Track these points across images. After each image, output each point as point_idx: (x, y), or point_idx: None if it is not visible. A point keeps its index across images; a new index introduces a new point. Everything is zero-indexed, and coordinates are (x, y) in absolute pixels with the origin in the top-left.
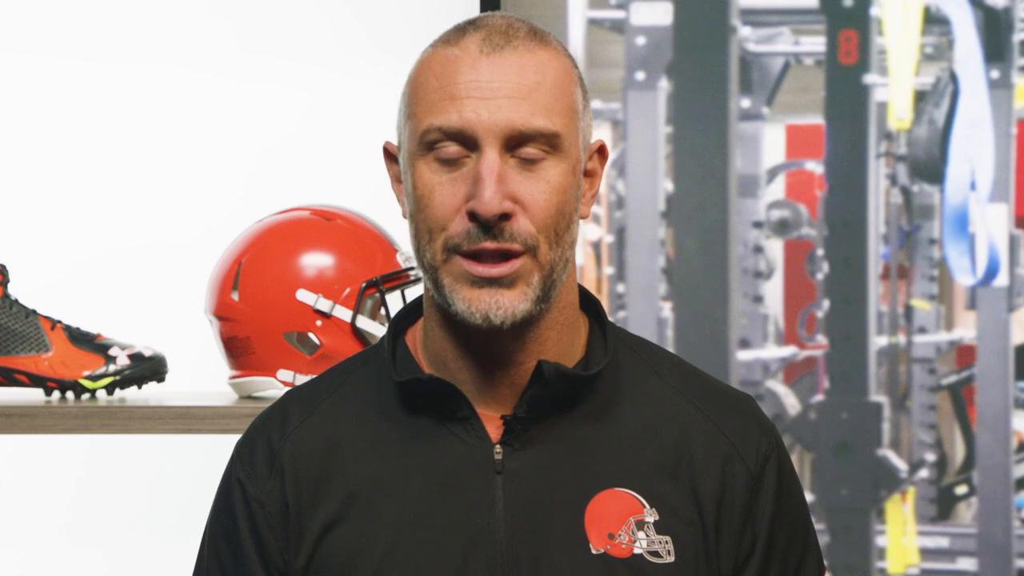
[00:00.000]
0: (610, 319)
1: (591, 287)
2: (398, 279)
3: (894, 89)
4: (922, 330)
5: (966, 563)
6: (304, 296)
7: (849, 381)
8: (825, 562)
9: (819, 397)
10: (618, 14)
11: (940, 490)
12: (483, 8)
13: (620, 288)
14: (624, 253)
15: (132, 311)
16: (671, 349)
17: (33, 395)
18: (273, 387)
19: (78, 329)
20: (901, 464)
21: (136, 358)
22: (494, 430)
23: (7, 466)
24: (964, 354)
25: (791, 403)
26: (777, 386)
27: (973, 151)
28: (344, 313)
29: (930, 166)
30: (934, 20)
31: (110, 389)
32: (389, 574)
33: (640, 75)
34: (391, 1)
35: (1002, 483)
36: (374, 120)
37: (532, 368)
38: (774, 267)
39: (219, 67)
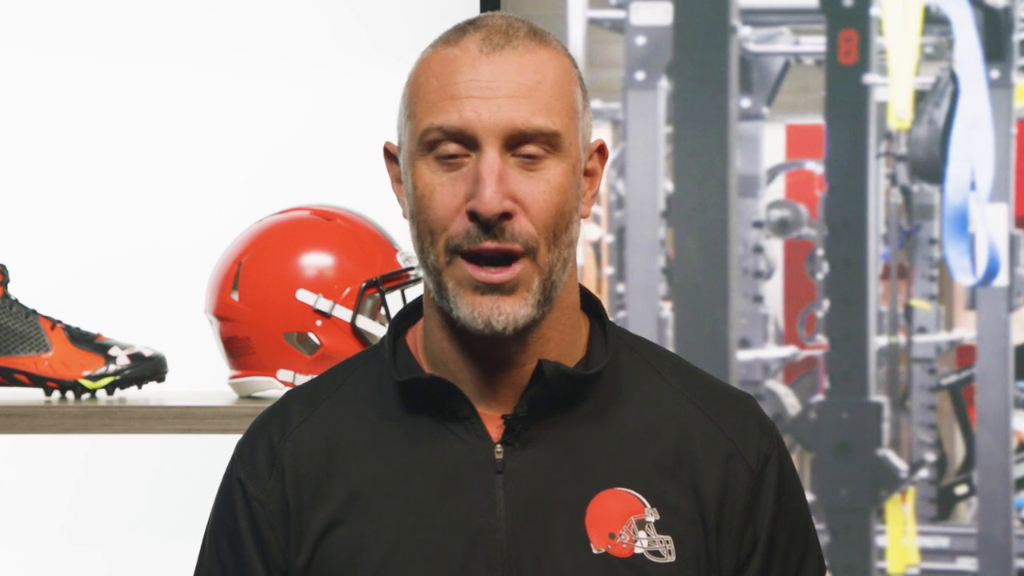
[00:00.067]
0: (610, 319)
1: (591, 287)
2: (398, 279)
3: (894, 89)
4: (922, 330)
5: (966, 563)
6: (304, 296)
7: (849, 381)
8: (826, 562)
9: (819, 397)
10: (618, 14)
11: (940, 490)
12: (483, 8)
13: (620, 288)
14: (624, 253)
15: (132, 311)
16: (671, 349)
17: (33, 395)
18: (273, 387)
19: (78, 329)
20: (901, 464)
21: (136, 358)
22: (495, 429)
23: (7, 466)
24: (964, 354)
25: (791, 403)
26: (777, 386)
27: (973, 151)
28: (344, 313)
29: (930, 166)
30: (934, 20)
31: (110, 389)
32: (390, 574)
33: (640, 75)
34: (391, 1)
35: (1002, 483)
36: (374, 120)
37: (533, 369)
38: (774, 267)
39: (219, 67)
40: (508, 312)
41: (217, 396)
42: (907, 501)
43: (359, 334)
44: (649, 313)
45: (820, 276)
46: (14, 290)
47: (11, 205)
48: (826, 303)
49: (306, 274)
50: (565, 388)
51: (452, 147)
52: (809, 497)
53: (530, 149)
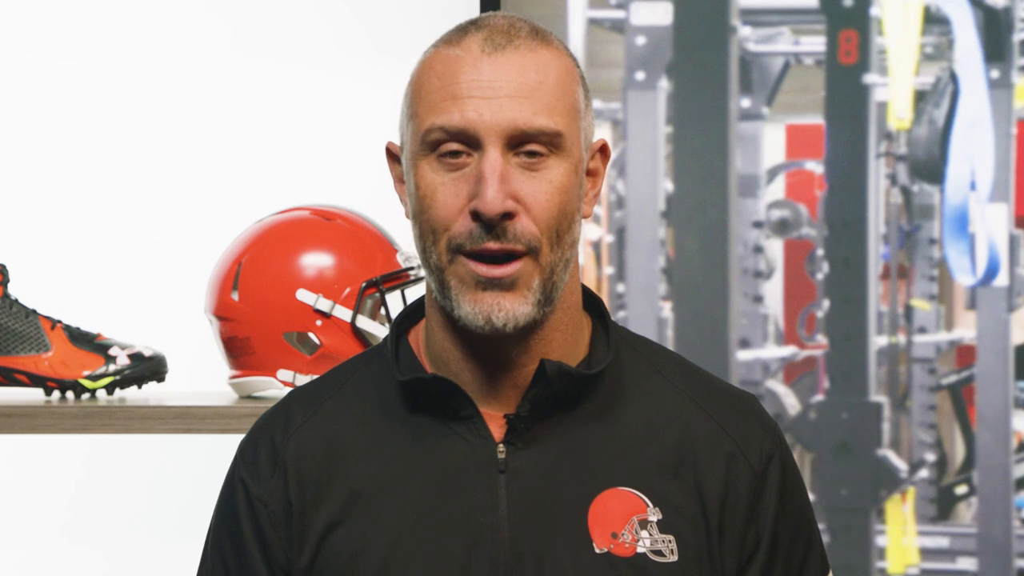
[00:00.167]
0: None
1: (591, 287)
2: (398, 279)
3: (894, 89)
4: (922, 330)
5: (966, 563)
6: (304, 296)
7: (849, 381)
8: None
9: (819, 397)
10: (618, 14)
11: (940, 490)
12: (483, 8)
13: (620, 288)
14: (624, 253)
15: (132, 311)
16: (671, 349)
17: (33, 395)
18: (273, 387)
19: (78, 329)
20: (901, 464)
21: (136, 358)
22: (497, 429)
23: (7, 466)
24: (964, 354)
25: (791, 403)
26: (777, 386)
27: (973, 151)
28: (344, 313)
29: (930, 166)
30: (934, 20)
31: (110, 389)
32: (392, 573)
33: (640, 75)
34: (391, 1)
35: (1002, 483)
36: (374, 120)
37: (535, 369)
38: (774, 267)
39: (219, 67)
40: (508, 308)
41: (217, 396)
42: (907, 501)
43: (359, 334)
44: (649, 313)
45: (820, 276)
46: (14, 290)
47: (11, 205)
48: (826, 303)
49: (306, 274)
50: (567, 388)
51: (454, 147)
52: (810, 497)
53: (532, 149)
